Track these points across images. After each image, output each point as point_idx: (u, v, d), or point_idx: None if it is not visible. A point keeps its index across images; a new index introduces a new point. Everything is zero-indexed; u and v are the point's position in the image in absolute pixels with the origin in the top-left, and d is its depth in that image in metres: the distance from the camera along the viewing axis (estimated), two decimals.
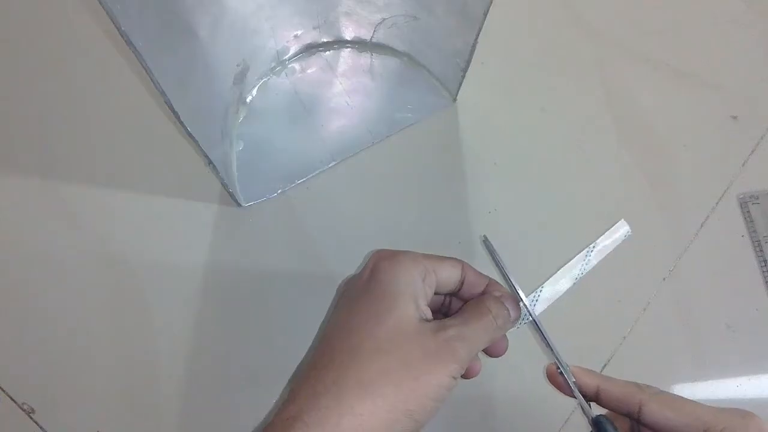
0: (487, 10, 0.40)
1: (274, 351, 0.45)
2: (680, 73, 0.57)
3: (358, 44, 0.56)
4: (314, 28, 0.53)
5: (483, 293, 0.32)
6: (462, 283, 0.32)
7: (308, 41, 0.54)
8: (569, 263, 0.35)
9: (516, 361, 0.46)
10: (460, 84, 0.51)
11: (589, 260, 0.35)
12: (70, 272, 0.47)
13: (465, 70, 0.49)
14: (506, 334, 0.33)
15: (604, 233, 0.36)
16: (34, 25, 0.56)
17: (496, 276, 0.33)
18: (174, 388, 0.44)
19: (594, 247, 0.35)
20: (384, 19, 0.52)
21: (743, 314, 0.48)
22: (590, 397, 0.30)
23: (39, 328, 0.46)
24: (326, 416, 0.24)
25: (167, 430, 0.44)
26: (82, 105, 0.53)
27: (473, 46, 0.45)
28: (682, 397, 0.28)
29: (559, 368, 0.31)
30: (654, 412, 0.27)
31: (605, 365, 0.46)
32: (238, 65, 0.48)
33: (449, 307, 0.34)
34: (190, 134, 0.36)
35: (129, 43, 0.28)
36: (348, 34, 0.55)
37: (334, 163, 0.51)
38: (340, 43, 0.55)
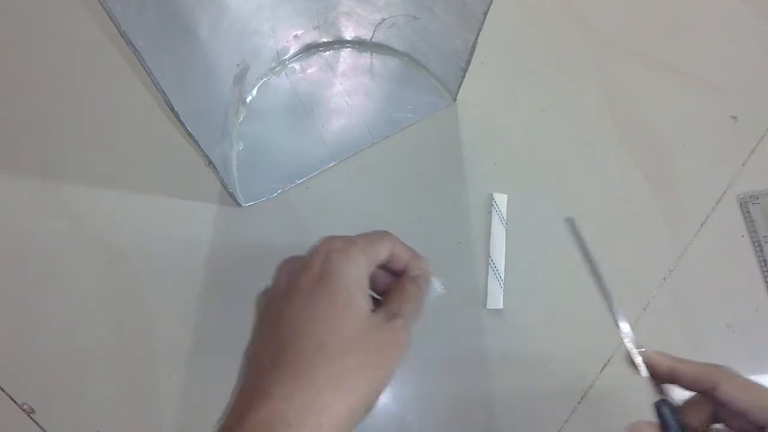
0: (487, 10, 0.40)
1: None
2: (680, 73, 0.57)
3: (358, 44, 0.56)
4: (314, 28, 0.53)
5: (405, 272, 0.33)
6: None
7: (308, 41, 0.54)
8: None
9: (516, 361, 0.46)
10: (460, 84, 0.51)
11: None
12: (70, 272, 0.47)
13: (465, 70, 0.49)
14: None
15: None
16: (34, 25, 0.56)
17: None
18: (174, 388, 0.44)
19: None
20: (384, 19, 0.52)
21: (743, 314, 0.48)
22: (665, 378, 0.31)
23: (39, 328, 0.46)
24: (308, 415, 0.25)
25: (167, 430, 0.44)
26: (82, 105, 0.53)
27: (473, 46, 0.45)
28: (756, 382, 0.29)
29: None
30: (729, 391, 0.29)
31: (605, 365, 0.46)
32: (238, 65, 0.48)
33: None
34: (190, 134, 0.36)
35: (129, 43, 0.28)
36: (348, 34, 0.55)
37: (334, 163, 0.51)
38: (340, 43, 0.55)
